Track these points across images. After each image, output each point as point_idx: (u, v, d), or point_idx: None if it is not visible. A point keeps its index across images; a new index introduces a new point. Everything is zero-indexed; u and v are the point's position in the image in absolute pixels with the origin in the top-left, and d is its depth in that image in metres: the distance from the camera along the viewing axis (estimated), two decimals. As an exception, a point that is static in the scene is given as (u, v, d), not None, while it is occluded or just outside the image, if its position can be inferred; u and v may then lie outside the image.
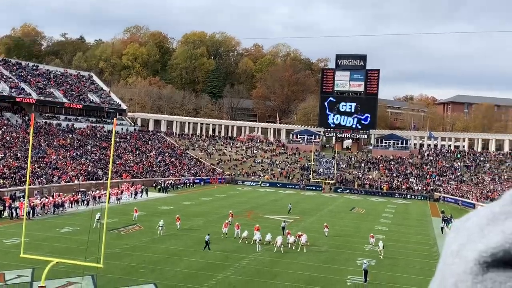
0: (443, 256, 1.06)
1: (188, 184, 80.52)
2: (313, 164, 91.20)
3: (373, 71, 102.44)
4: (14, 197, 51.75)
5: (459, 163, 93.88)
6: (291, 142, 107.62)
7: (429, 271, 33.97)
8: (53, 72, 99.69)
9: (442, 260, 1.06)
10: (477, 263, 0.95)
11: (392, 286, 29.93)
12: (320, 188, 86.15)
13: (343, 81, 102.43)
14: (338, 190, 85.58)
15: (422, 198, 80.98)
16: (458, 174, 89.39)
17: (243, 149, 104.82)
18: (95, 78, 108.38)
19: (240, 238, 39.10)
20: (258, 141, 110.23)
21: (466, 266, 0.96)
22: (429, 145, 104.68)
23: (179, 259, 33.09)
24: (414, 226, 53.45)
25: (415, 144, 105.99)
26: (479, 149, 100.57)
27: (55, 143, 77.36)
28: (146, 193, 65.02)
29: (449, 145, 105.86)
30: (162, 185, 72.29)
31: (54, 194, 54.45)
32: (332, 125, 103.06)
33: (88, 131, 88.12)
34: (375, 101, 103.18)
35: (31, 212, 44.88)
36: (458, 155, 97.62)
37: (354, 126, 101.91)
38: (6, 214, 45.58)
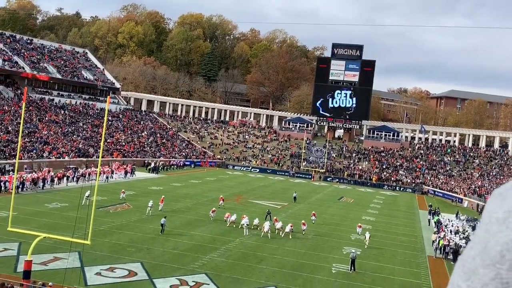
0: (484, 224, 0.98)
1: (178, 166, 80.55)
2: (304, 152, 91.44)
3: (369, 61, 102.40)
4: (3, 170, 51.55)
5: (449, 158, 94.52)
6: (283, 129, 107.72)
7: (414, 262, 34.41)
8: (48, 47, 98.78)
9: (483, 227, 0.98)
10: None
11: (377, 275, 30.28)
12: (310, 176, 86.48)
13: (338, 71, 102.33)
14: (328, 179, 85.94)
15: (411, 191, 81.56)
16: (448, 168, 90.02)
17: (235, 134, 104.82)
18: (90, 55, 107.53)
19: (228, 222, 39.30)
20: (250, 126, 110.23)
21: None
22: (420, 138, 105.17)
23: (166, 240, 33.24)
24: (401, 218, 53.93)
25: (406, 137, 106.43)
26: (470, 145, 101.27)
27: (46, 118, 76.95)
28: (133, 173, 64.58)
29: (440, 140, 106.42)
30: (153, 165, 72.28)
31: (44, 169, 54.29)
32: (330, 109, 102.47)
33: (81, 108, 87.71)
34: (369, 92, 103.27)
35: (20, 186, 44.82)
36: (449, 150, 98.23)
37: (354, 106, 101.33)
38: (-6, 187, 45.42)
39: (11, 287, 21.59)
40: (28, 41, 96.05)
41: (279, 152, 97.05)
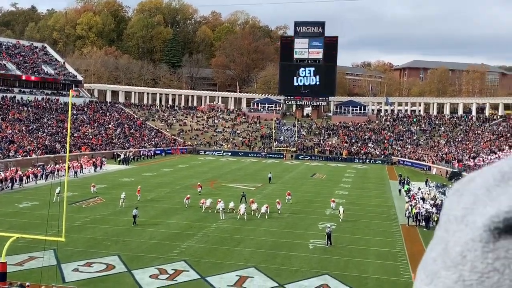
0: (443, 222, 0.93)
1: (149, 156, 79.92)
2: (274, 132, 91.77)
3: (331, 38, 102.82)
4: (-31, 173, 50.30)
5: (415, 127, 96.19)
6: (252, 110, 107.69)
7: (388, 232, 35.15)
8: (5, 43, 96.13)
9: (442, 226, 0.93)
10: (488, 229, 0.85)
11: (353, 247, 30.84)
12: (282, 156, 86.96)
13: (302, 49, 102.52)
14: (299, 157, 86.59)
15: (380, 162, 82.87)
16: (415, 138, 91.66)
17: (204, 119, 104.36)
18: (49, 49, 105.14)
19: (203, 208, 39.31)
20: (219, 110, 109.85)
21: (475, 233, 0.86)
22: (386, 110, 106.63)
23: (143, 230, 33.12)
24: (373, 190, 54.81)
25: (373, 110, 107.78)
26: (435, 113, 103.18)
27: (10, 116, 75.20)
28: (102, 166, 63.61)
29: (406, 110, 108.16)
30: (123, 157, 71.51)
31: (11, 168, 53.19)
32: (296, 87, 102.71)
33: (44, 104, 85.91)
34: (333, 68, 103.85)
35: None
36: (415, 120, 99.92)
37: (317, 83, 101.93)
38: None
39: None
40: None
41: (250, 134, 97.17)
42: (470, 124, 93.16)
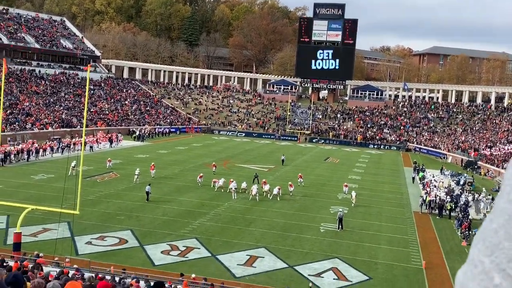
0: (506, 193, 0.90)
1: (164, 133, 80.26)
2: (289, 115, 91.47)
3: (351, 20, 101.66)
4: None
5: (432, 114, 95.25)
6: (268, 92, 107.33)
7: (400, 218, 35.06)
8: (24, 16, 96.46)
9: (505, 197, 0.90)
10: None
11: (364, 232, 30.83)
12: (296, 138, 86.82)
13: (320, 31, 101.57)
14: (313, 140, 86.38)
15: (396, 148, 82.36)
16: (431, 125, 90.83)
17: (219, 99, 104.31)
18: (68, 23, 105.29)
19: (216, 187, 39.48)
20: (235, 90, 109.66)
21: None
22: (403, 96, 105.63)
23: (156, 206, 33.41)
24: (386, 176, 54.58)
25: (390, 95, 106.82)
26: (453, 101, 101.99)
27: (27, 89, 75.78)
28: (118, 141, 64.38)
29: (424, 97, 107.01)
30: (138, 133, 71.96)
31: (28, 141, 53.79)
32: (313, 70, 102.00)
33: (62, 78, 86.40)
34: (352, 52, 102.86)
35: (3, 159, 44.48)
36: (432, 106, 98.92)
37: (337, 68, 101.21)
38: (-22, 161, 44.98)
39: (1, 260, 21.62)
40: (4, 11, 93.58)
41: (264, 115, 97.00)
42: (488, 113, 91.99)
